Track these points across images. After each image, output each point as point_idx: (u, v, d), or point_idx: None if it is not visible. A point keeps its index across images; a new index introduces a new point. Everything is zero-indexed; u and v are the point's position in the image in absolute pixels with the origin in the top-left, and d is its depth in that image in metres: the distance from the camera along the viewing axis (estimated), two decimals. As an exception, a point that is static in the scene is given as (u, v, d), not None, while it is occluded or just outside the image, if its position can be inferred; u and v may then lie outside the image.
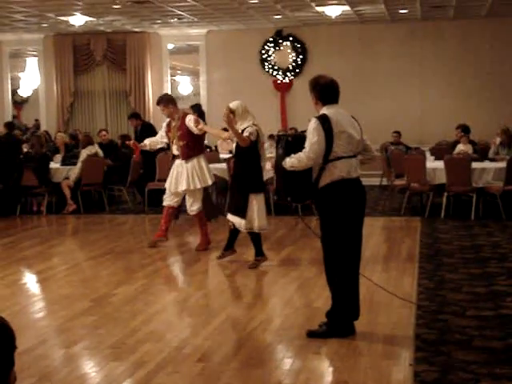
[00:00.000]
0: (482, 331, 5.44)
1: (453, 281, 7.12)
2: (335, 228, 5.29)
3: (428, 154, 13.76)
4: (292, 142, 5.39)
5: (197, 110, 11.93)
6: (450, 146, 13.42)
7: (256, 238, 8.04)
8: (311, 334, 5.40)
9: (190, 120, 8.67)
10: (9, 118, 18.71)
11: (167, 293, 7.24)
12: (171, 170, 8.98)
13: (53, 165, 12.92)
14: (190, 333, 5.65)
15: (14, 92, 20.92)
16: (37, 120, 20.02)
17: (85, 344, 5.42)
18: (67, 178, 12.55)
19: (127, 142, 9.97)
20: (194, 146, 8.79)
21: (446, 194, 11.27)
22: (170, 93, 17.96)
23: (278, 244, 9.38)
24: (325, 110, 5.31)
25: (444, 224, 10.67)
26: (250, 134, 7.71)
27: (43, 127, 18.28)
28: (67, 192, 12.43)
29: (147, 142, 9.31)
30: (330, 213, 5.32)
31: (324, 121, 5.20)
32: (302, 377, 4.64)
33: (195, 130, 8.62)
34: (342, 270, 5.33)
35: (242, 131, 7.75)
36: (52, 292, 7.22)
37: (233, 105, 7.89)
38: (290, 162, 5.28)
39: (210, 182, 8.94)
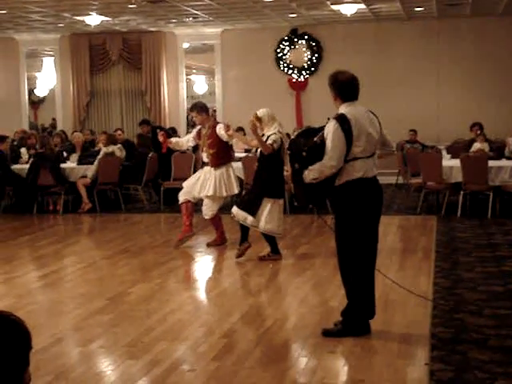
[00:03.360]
0: (499, 330, 5.41)
1: (469, 279, 7.09)
2: (351, 227, 5.26)
3: (444, 153, 13.71)
4: (307, 156, 5.16)
5: None
6: (466, 145, 13.33)
7: (270, 240, 8.15)
8: (326, 333, 5.39)
9: (220, 128, 8.78)
10: (26, 118, 18.84)
11: (182, 291, 7.25)
12: (197, 173, 9.15)
13: (69, 164, 13.00)
14: (205, 331, 5.65)
15: (31, 92, 21.04)
16: (54, 119, 20.13)
17: (100, 342, 5.44)
18: (83, 177, 12.59)
19: (160, 133, 9.62)
20: (224, 154, 8.93)
21: (462, 192, 11.21)
22: (185, 92, 18.06)
23: (294, 242, 9.38)
24: (344, 108, 5.23)
25: (460, 223, 10.62)
26: (274, 141, 7.86)
27: (59, 127, 18.36)
28: (83, 191, 12.49)
29: (174, 140, 9.43)
30: (346, 211, 5.28)
31: (343, 122, 5.10)
32: (317, 375, 4.63)
33: (226, 137, 8.73)
34: (358, 268, 5.31)
35: (267, 138, 7.86)
36: (68, 291, 7.26)
37: (260, 112, 8.03)
38: (311, 174, 5.12)
39: (236, 191, 9.06)
